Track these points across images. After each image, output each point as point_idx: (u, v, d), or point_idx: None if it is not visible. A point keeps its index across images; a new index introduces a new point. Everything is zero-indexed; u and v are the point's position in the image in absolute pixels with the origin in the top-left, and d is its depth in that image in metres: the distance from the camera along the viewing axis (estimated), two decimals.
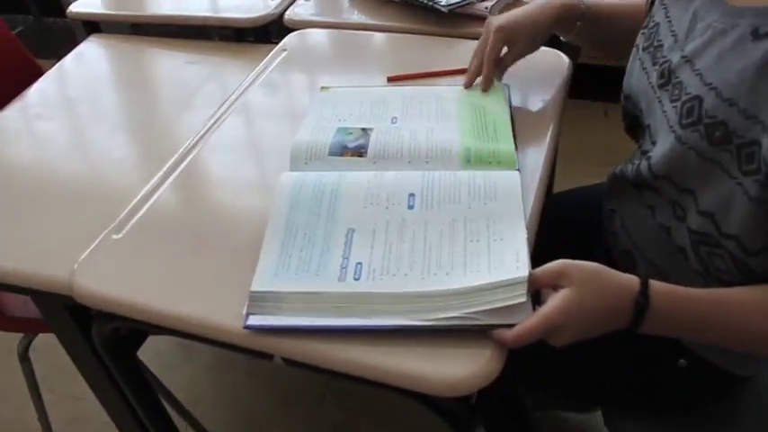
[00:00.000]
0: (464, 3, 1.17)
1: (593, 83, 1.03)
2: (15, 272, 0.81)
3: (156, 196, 0.87)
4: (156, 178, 0.90)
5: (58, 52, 1.28)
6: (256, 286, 0.69)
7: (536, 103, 0.98)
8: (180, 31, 1.32)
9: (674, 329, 0.68)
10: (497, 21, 0.93)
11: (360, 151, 0.85)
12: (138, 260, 0.78)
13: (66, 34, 1.44)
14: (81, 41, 1.32)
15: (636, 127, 0.84)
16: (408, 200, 0.76)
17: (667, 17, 0.79)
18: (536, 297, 0.65)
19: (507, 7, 1.22)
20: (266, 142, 0.99)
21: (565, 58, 1.05)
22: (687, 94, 0.69)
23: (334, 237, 0.73)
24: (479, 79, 0.95)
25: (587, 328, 0.64)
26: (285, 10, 1.29)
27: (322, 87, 1.02)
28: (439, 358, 0.63)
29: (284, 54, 1.16)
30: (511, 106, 0.93)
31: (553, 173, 1.11)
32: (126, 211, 0.84)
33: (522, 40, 0.94)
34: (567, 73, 1.03)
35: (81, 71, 1.26)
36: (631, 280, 0.65)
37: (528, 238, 0.71)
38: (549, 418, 1.40)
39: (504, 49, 0.95)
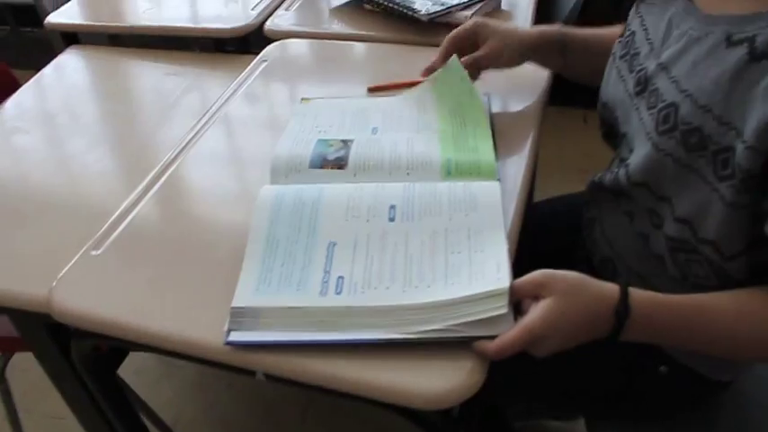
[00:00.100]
0: (444, 12, 1.18)
1: (572, 89, 1.04)
2: None
3: (135, 211, 0.86)
4: (135, 192, 0.89)
5: (36, 64, 1.27)
6: (237, 302, 0.68)
7: (516, 114, 0.99)
8: (159, 41, 1.31)
9: (656, 336, 0.68)
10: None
11: (340, 163, 0.85)
12: (118, 276, 0.77)
13: (43, 45, 1.43)
14: (59, 53, 1.31)
15: (613, 134, 0.85)
16: (389, 212, 0.76)
17: (643, 26, 0.80)
18: (517, 308, 0.65)
19: (486, 15, 1.23)
20: (247, 154, 0.98)
21: (544, 69, 1.06)
22: (663, 101, 0.70)
23: (316, 250, 0.73)
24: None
25: (569, 338, 0.64)
26: (265, 20, 1.28)
27: (302, 99, 1.01)
28: (421, 371, 0.63)
29: (264, 65, 1.16)
30: (491, 117, 0.94)
31: (533, 182, 1.11)
32: (105, 226, 0.84)
33: (495, 43, 0.94)
34: (546, 83, 1.04)
35: (59, 83, 1.24)
36: (612, 289, 0.65)
37: (509, 249, 0.71)
38: (530, 427, 1.41)
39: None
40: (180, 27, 1.30)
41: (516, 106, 1.00)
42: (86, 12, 1.40)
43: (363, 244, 0.73)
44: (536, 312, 0.63)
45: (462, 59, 0.93)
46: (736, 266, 0.68)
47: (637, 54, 0.79)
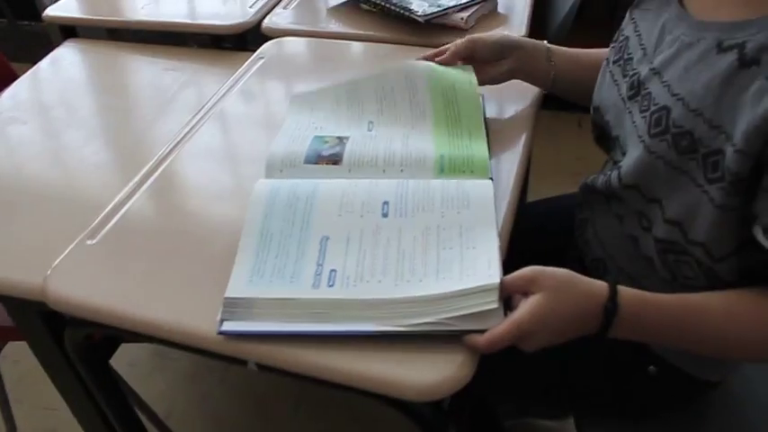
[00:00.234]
0: (440, 13, 1.19)
1: None
2: None
3: (131, 202, 0.87)
4: (131, 184, 0.90)
5: (34, 57, 1.27)
6: (231, 292, 0.69)
7: (510, 114, 1.00)
8: (157, 37, 1.32)
9: (644, 334, 0.69)
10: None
11: (335, 159, 0.86)
12: (113, 266, 0.78)
13: (41, 38, 1.43)
14: (57, 46, 1.31)
15: (605, 138, 0.86)
16: (382, 208, 0.77)
17: (636, 31, 0.81)
18: (508, 303, 0.66)
19: (482, 18, 1.24)
20: (242, 149, 0.99)
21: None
22: (656, 104, 0.71)
23: (309, 244, 0.74)
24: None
25: (557, 334, 0.65)
26: (263, 18, 1.29)
27: (293, 97, 1.00)
28: (412, 363, 0.64)
29: (261, 62, 1.17)
30: (485, 116, 0.95)
31: (527, 182, 1.13)
32: (100, 216, 0.84)
33: (486, 54, 0.95)
34: None
35: (56, 76, 1.25)
36: (601, 286, 0.66)
37: (500, 246, 0.72)
38: (520, 426, 1.41)
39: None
40: (178, 23, 1.31)
41: (510, 107, 1.01)
42: (85, 6, 1.40)
43: (356, 239, 0.74)
44: (525, 308, 0.64)
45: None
46: (725, 268, 0.69)
47: (630, 59, 0.80)
